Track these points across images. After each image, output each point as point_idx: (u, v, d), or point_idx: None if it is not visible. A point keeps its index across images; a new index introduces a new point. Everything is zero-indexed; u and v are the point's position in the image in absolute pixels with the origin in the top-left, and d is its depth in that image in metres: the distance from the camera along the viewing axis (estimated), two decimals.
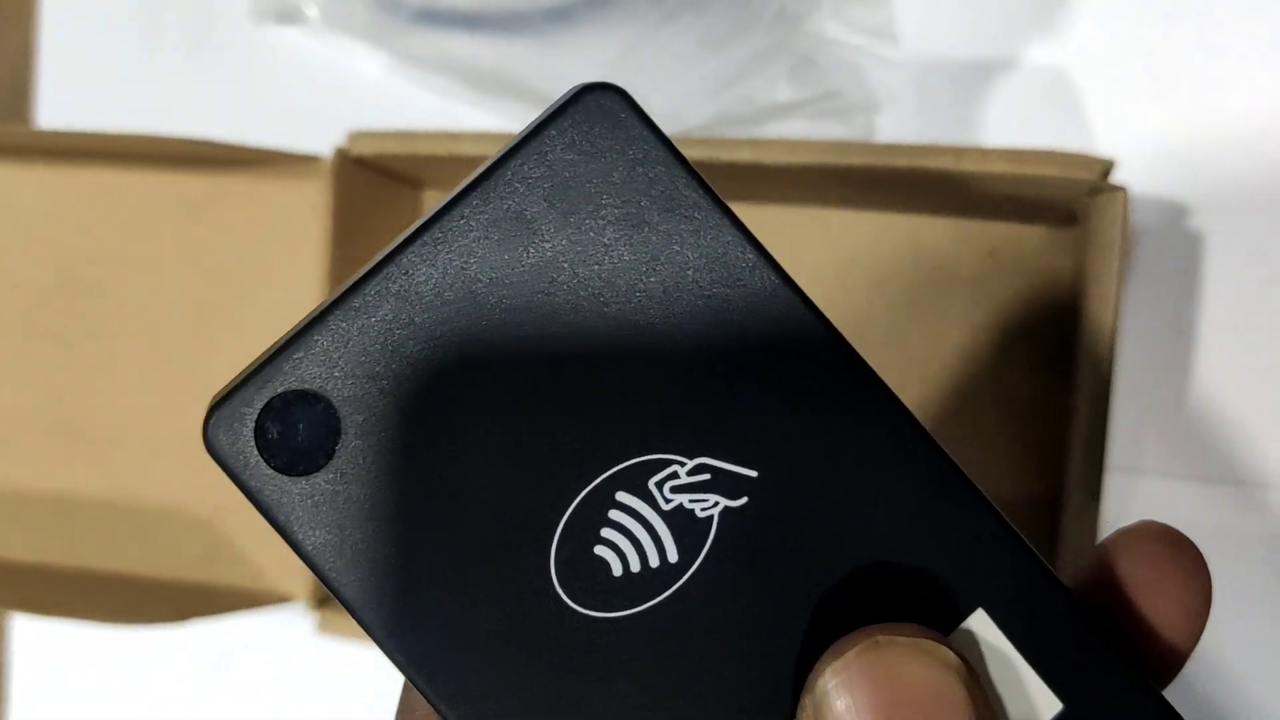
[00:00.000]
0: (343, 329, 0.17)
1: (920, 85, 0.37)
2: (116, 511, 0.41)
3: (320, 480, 0.17)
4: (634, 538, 0.17)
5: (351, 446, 0.17)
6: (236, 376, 0.17)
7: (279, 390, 0.17)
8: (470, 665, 0.17)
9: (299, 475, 0.17)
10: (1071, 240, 0.36)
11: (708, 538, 0.17)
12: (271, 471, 0.17)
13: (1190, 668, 0.35)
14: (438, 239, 0.17)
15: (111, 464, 0.41)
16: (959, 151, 0.32)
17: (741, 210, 0.41)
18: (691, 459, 0.17)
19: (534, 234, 0.17)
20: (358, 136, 0.36)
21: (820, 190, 0.36)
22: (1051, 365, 0.36)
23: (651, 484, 0.17)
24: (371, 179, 0.38)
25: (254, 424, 0.16)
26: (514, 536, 0.17)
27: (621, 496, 0.17)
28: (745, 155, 0.33)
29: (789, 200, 0.38)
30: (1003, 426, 0.36)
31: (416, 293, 0.17)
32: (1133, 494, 0.36)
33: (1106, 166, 0.31)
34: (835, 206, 0.37)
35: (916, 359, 0.37)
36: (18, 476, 0.41)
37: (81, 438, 0.41)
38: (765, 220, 0.38)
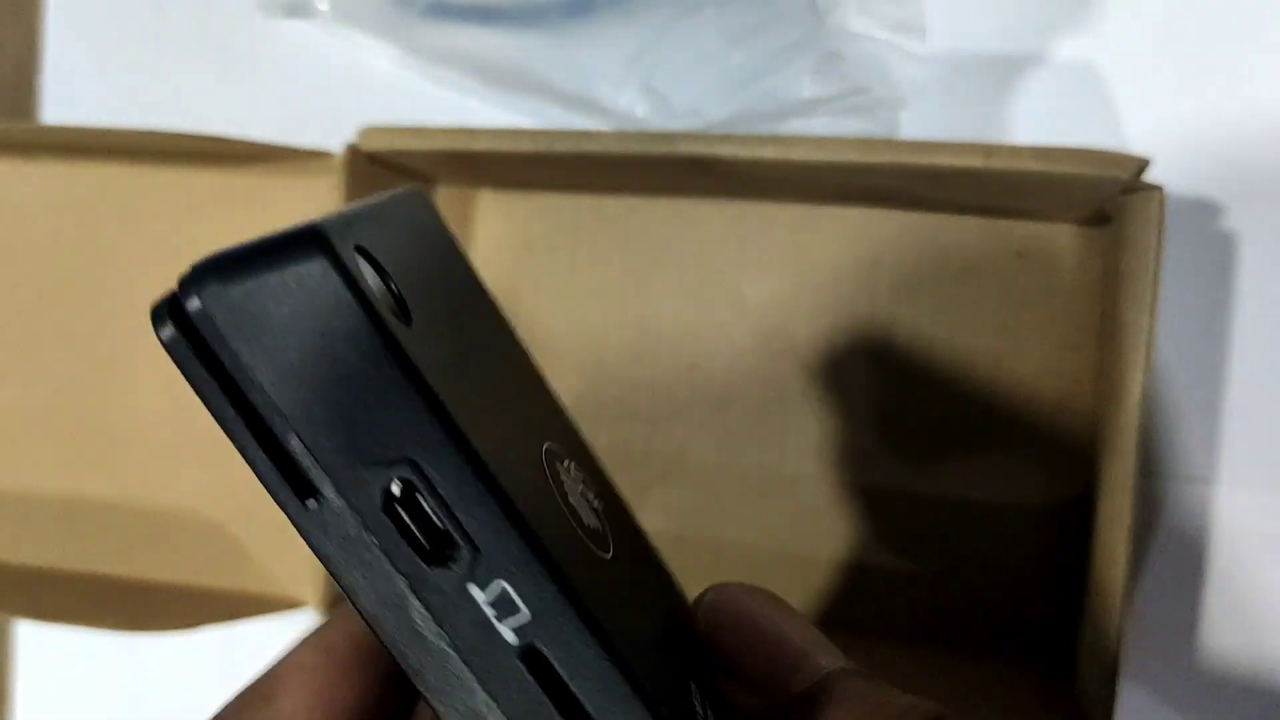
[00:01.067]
0: (383, 226, 0.16)
1: (947, 80, 0.36)
2: (126, 515, 0.40)
3: (415, 333, 0.15)
4: (583, 499, 0.19)
5: (418, 318, 0.16)
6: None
7: (366, 243, 0.15)
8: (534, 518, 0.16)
9: (402, 321, 0.15)
10: (1102, 240, 0.35)
11: (602, 514, 0.20)
12: (389, 312, 0.15)
13: (1217, 671, 0.34)
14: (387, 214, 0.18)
15: (120, 467, 0.40)
16: (988, 149, 0.31)
17: (764, 208, 0.40)
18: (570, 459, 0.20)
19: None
20: (369, 132, 0.36)
21: (845, 188, 0.35)
22: (1081, 368, 0.35)
23: (565, 464, 0.19)
24: (384, 175, 0.37)
25: (365, 262, 0.15)
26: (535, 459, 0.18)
27: (560, 465, 0.19)
28: (769, 152, 0.32)
29: (812, 198, 0.37)
30: (1031, 430, 0.35)
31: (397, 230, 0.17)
32: (1165, 499, 0.35)
33: (1141, 165, 0.30)
34: (860, 204, 0.37)
35: (942, 360, 0.36)
36: (26, 479, 0.41)
37: (90, 440, 0.40)
38: (788, 218, 0.37)
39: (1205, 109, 0.36)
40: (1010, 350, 0.36)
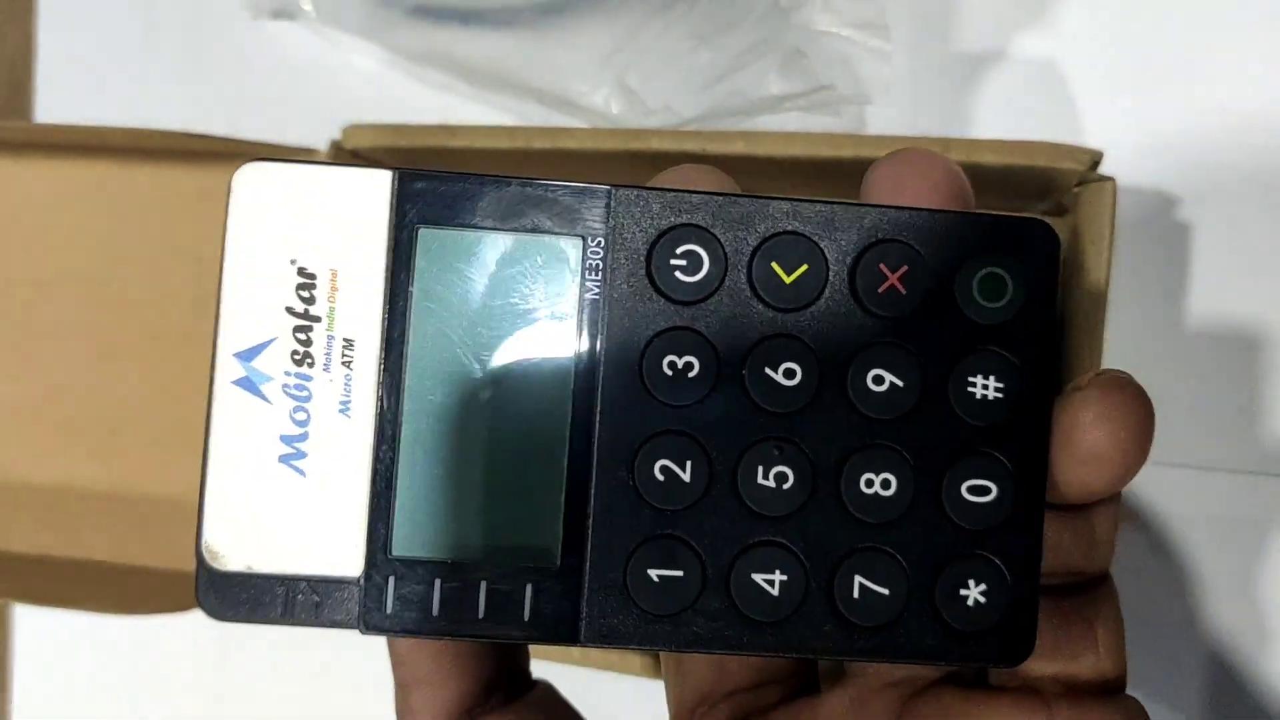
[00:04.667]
0: None
1: (911, 78, 0.37)
2: (118, 503, 0.41)
3: None
4: None
5: None
6: None
7: None
8: None
9: None
10: (1061, 229, 0.36)
11: None
12: None
13: (1198, 649, 0.35)
14: None
15: (112, 456, 0.41)
16: (946, 143, 0.32)
17: None
18: None
19: None
20: (353, 129, 0.37)
21: (812, 182, 0.36)
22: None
23: None
24: None
25: None
26: None
27: None
28: (737, 147, 0.33)
29: (781, 192, 0.38)
30: None
31: None
32: None
33: (1095, 157, 0.32)
34: (827, 198, 0.38)
35: None
36: (19, 469, 0.42)
37: (82, 430, 0.41)
38: None
39: (1161, 105, 0.37)
40: None
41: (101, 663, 0.44)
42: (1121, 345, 0.36)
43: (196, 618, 0.39)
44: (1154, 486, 0.36)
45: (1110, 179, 0.31)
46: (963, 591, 0.18)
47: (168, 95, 0.44)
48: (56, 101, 0.45)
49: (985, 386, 0.19)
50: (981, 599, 0.18)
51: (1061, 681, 0.20)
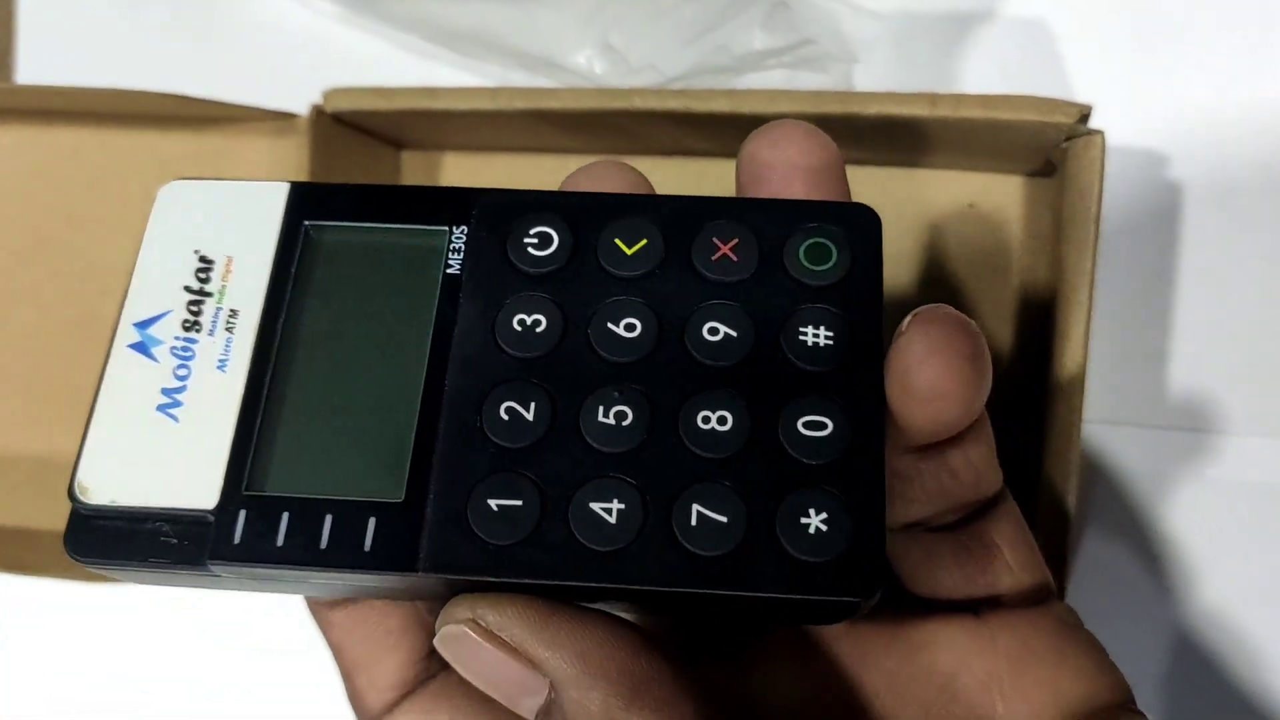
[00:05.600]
0: None
1: (898, 36, 0.37)
2: None
3: None
4: None
5: None
6: None
7: None
8: None
9: None
10: (1050, 190, 0.35)
11: None
12: None
13: (1162, 609, 0.35)
14: None
15: None
16: (934, 98, 0.32)
17: (718, 164, 0.40)
18: None
19: None
20: (334, 93, 0.36)
21: None
22: (1030, 316, 0.36)
23: None
24: (349, 136, 0.38)
25: None
26: None
27: None
28: (721, 106, 0.33)
29: None
30: None
31: None
32: (1110, 443, 0.36)
33: (1083, 111, 0.31)
34: None
35: (893, 311, 0.37)
36: None
37: (60, 400, 0.41)
38: None
39: (1152, 65, 0.36)
40: (962, 299, 0.36)
41: (81, 630, 0.43)
42: (1110, 303, 0.35)
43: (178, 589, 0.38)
44: (1139, 449, 0.36)
45: (1099, 132, 0.31)
46: (804, 520, 0.19)
47: (149, 63, 0.44)
48: (36, 69, 0.45)
49: (816, 335, 0.20)
50: (823, 527, 0.18)
51: (991, 600, 0.21)
